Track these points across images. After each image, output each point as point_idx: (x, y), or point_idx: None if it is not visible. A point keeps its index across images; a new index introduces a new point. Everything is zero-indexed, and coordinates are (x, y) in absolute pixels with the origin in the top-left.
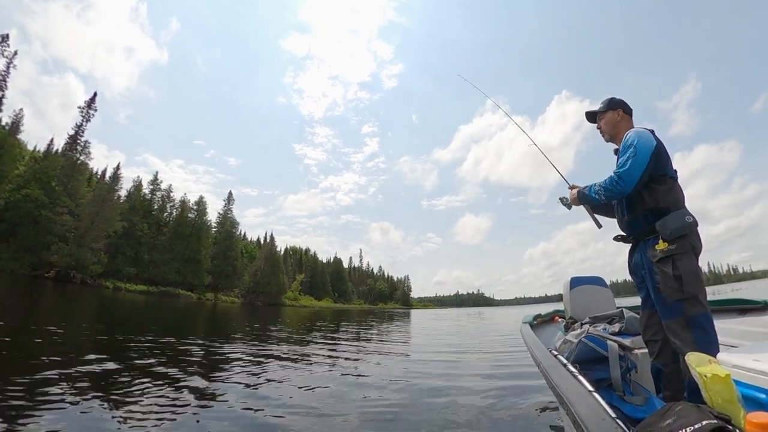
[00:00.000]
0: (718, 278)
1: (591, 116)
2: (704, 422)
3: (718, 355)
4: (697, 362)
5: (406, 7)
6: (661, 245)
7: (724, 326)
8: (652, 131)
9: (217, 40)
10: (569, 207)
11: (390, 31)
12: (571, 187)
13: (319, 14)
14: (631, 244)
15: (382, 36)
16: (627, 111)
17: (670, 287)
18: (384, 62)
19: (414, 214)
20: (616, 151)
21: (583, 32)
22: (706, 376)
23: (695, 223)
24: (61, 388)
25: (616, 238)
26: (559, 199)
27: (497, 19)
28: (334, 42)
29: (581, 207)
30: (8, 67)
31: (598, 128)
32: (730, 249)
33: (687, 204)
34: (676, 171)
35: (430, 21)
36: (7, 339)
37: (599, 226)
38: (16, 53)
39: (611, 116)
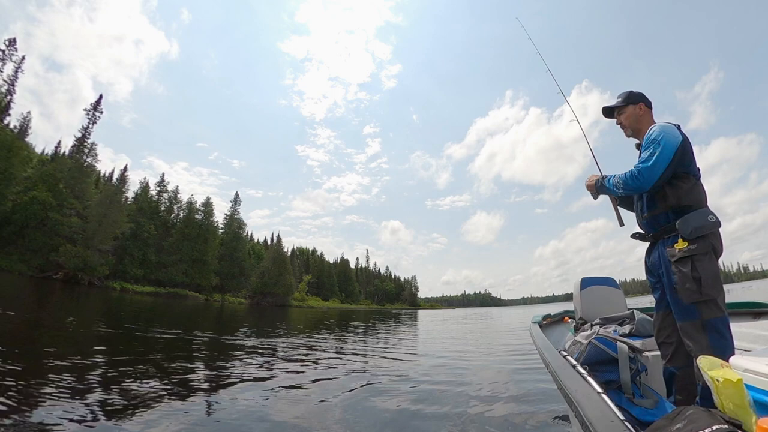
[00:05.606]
0: (728, 277)
1: (608, 111)
2: (714, 427)
3: (731, 359)
4: (709, 366)
5: (401, 7)
6: (681, 244)
7: (737, 330)
8: (677, 126)
9: (216, 43)
10: (594, 196)
11: (387, 32)
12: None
13: (315, 16)
14: (649, 243)
15: (379, 36)
16: (648, 104)
17: (688, 288)
18: (383, 63)
19: (418, 214)
20: (638, 146)
21: (602, 19)
22: (718, 380)
23: (718, 224)
24: (69, 383)
25: (634, 236)
26: (586, 185)
27: (506, 9)
28: (332, 43)
29: (607, 199)
30: (16, 72)
31: (618, 123)
32: (742, 247)
33: None
34: (699, 169)
35: (428, 20)
36: (18, 334)
37: (621, 224)
38: (23, 58)
39: (632, 110)
